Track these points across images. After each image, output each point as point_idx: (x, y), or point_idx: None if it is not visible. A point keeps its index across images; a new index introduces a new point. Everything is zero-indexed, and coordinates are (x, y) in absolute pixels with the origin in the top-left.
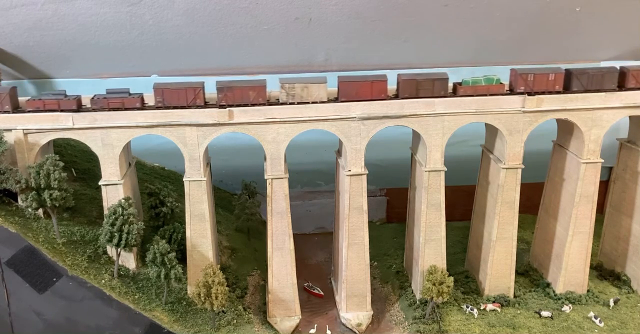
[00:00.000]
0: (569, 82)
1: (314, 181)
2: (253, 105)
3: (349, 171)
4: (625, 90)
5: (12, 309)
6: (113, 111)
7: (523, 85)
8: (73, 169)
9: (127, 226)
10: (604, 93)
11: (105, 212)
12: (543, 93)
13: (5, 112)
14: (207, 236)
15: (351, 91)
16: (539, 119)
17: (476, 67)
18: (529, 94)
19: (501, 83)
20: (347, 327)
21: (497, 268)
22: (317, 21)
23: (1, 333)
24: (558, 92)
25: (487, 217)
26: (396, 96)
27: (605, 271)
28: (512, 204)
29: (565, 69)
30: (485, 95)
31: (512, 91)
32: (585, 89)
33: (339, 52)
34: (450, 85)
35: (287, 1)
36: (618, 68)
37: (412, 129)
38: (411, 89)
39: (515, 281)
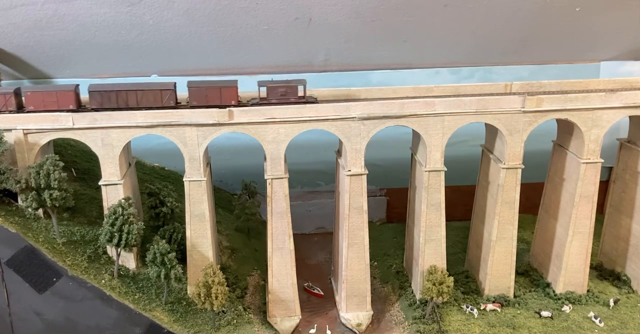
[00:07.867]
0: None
1: (314, 181)
2: None
3: (349, 171)
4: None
5: (12, 309)
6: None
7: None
8: (73, 169)
9: (127, 226)
10: (603, 93)
11: (105, 212)
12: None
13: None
14: (207, 236)
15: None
16: (539, 119)
17: (476, 67)
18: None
19: None
20: (347, 327)
21: (497, 268)
22: (317, 21)
23: (1, 333)
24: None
25: (487, 217)
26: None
27: (605, 271)
28: (512, 204)
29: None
30: None
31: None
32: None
33: (339, 52)
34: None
35: (287, 1)
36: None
37: (412, 129)
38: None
39: (515, 281)
